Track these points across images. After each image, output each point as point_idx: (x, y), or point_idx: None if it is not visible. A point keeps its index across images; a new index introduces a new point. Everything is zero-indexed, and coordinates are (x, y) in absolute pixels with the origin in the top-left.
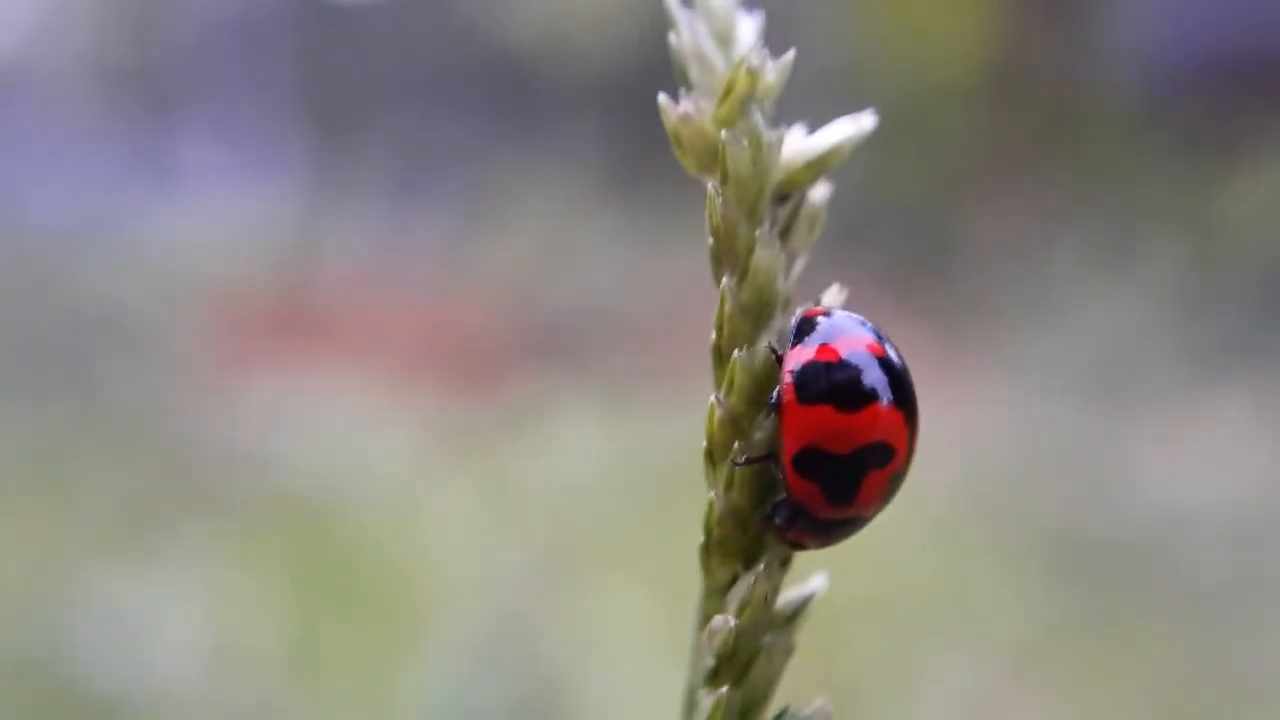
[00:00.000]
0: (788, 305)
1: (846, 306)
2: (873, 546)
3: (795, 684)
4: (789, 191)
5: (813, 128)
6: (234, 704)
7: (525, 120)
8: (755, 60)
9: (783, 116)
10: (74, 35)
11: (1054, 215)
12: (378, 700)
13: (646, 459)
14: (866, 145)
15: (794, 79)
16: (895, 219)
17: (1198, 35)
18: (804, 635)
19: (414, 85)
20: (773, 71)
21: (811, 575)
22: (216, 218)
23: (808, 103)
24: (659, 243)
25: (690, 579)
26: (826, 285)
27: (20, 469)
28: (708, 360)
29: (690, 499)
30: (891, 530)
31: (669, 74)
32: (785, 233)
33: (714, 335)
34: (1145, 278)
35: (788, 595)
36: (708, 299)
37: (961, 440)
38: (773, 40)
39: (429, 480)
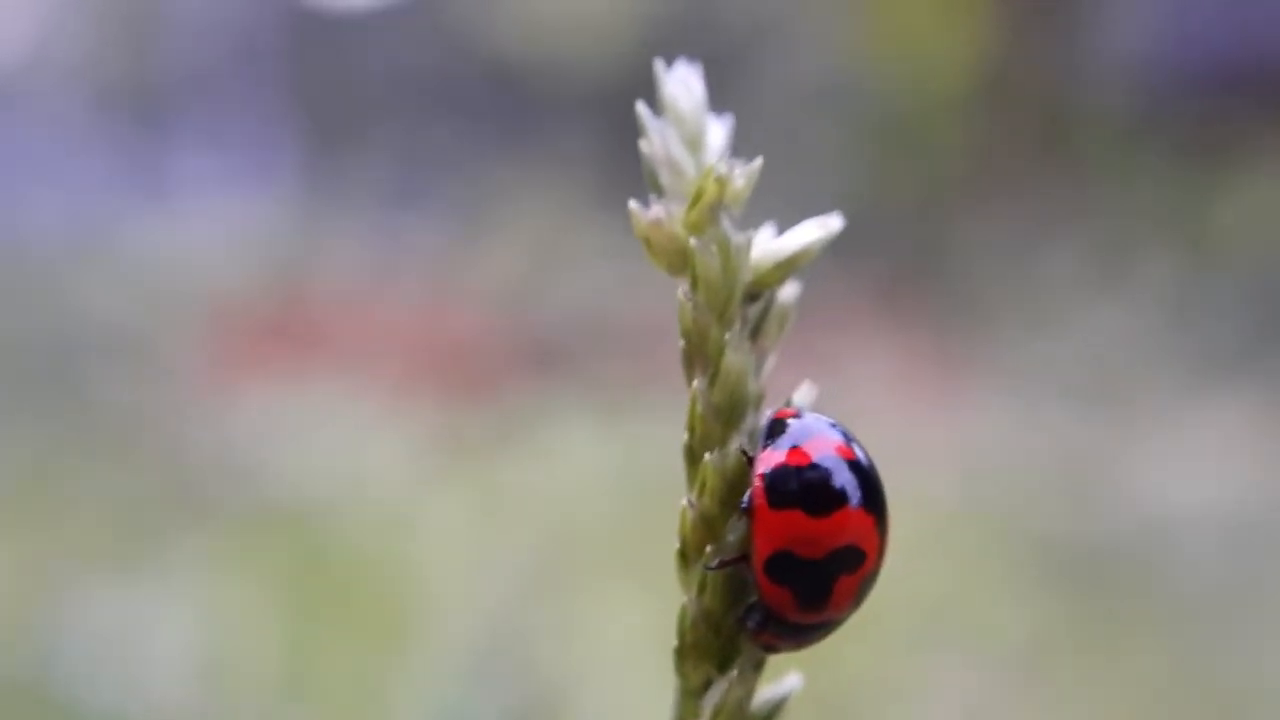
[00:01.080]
0: (759, 404)
1: (817, 406)
2: None
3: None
4: (759, 292)
5: (783, 229)
6: (229, 717)
7: (518, 129)
8: (723, 168)
9: (782, 126)
10: (69, 45)
11: (1050, 223)
12: (375, 710)
13: (642, 466)
14: (858, 150)
15: (789, 91)
16: (891, 227)
17: (1193, 43)
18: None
19: (408, 95)
20: (741, 178)
21: (785, 674)
22: (211, 226)
23: (803, 113)
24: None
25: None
26: (819, 298)
27: (12, 481)
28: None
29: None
30: (887, 536)
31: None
32: (755, 332)
33: (686, 436)
34: (1141, 285)
35: (762, 696)
36: None
37: (958, 447)
38: (766, 54)
39: (424, 489)
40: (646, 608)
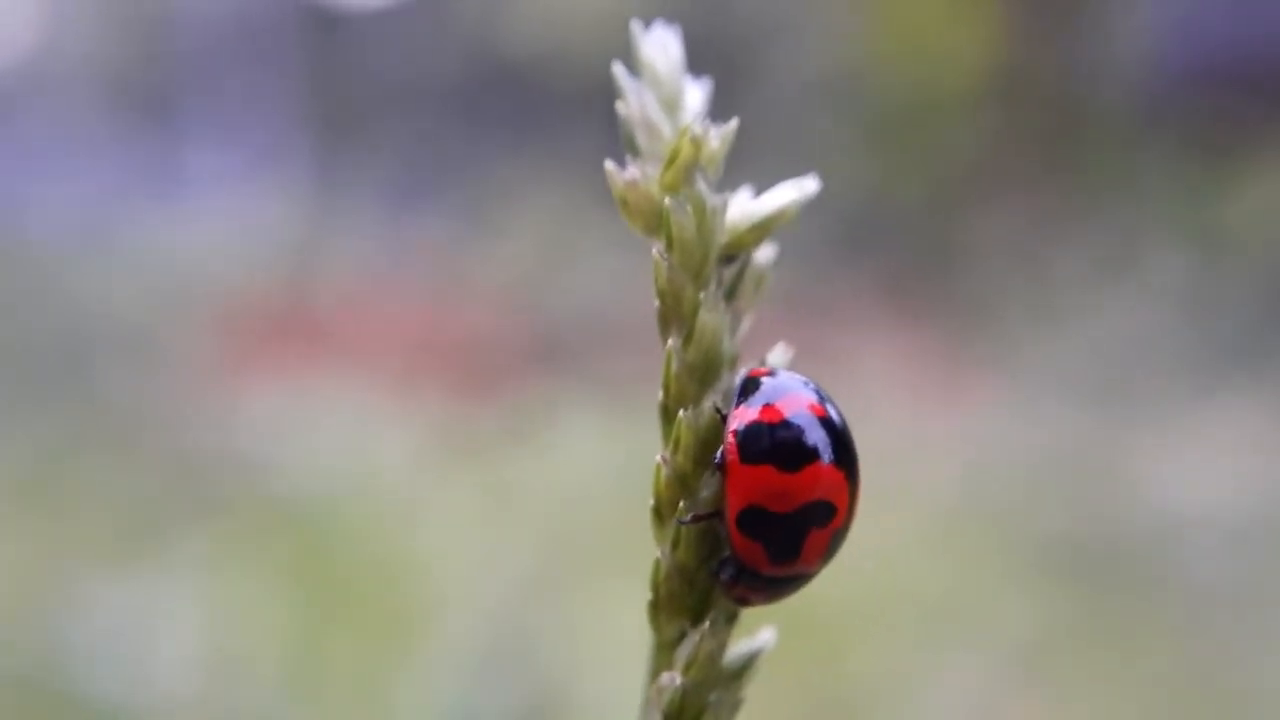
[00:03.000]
0: (734, 364)
1: (791, 365)
2: (873, 551)
3: (796, 691)
4: (734, 253)
5: (759, 191)
6: (234, 712)
7: (526, 127)
8: (699, 128)
9: (789, 123)
10: (79, 43)
11: (1057, 220)
12: (378, 707)
13: (646, 462)
14: (865, 147)
15: (797, 89)
16: (898, 225)
17: (1201, 40)
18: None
19: (415, 92)
20: (716, 139)
21: (760, 629)
22: (220, 223)
23: (810, 110)
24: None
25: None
26: (826, 295)
27: (20, 476)
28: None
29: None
30: (893, 534)
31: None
32: (731, 294)
33: (661, 395)
34: (1149, 282)
35: (735, 650)
36: None
37: (965, 444)
38: (772, 49)
39: (429, 485)
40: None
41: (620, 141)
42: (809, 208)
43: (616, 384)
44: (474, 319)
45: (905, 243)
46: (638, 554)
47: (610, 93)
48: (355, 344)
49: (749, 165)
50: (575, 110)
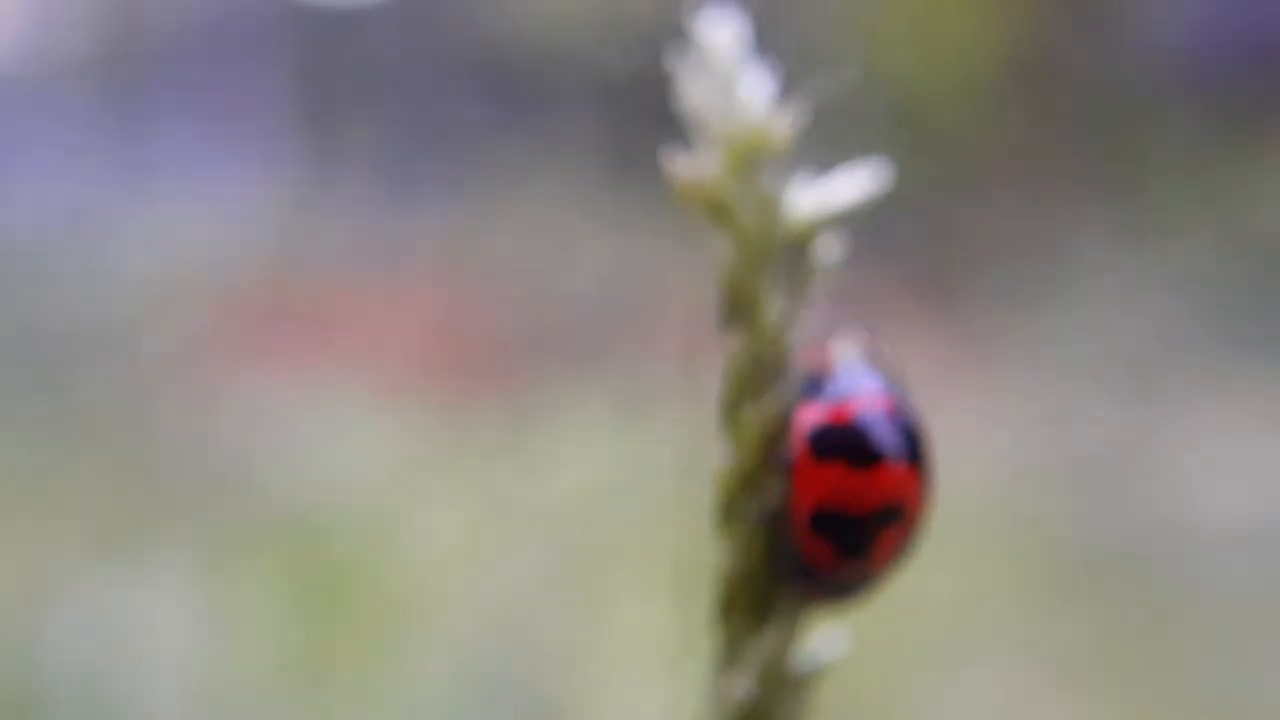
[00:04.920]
0: (799, 356)
1: (863, 354)
2: None
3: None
4: (799, 243)
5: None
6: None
7: (520, 115)
8: (764, 114)
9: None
10: (51, 23)
11: (1076, 206)
12: (374, 709)
13: (654, 459)
14: (878, 136)
15: (806, 77)
16: (912, 214)
17: (1223, 24)
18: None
19: (407, 80)
20: (785, 126)
21: (827, 631)
22: (202, 215)
23: (825, 102)
24: (662, 237)
25: (702, 584)
26: (842, 287)
27: None
28: (715, 364)
29: (700, 504)
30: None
31: (663, 66)
32: (795, 285)
33: (723, 392)
34: (1172, 268)
35: (803, 654)
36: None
37: (982, 442)
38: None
39: (427, 484)
40: (660, 606)
41: (626, 129)
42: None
43: (621, 377)
44: (472, 311)
45: (920, 233)
46: (648, 555)
47: (612, 81)
48: (347, 339)
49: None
50: (572, 97)
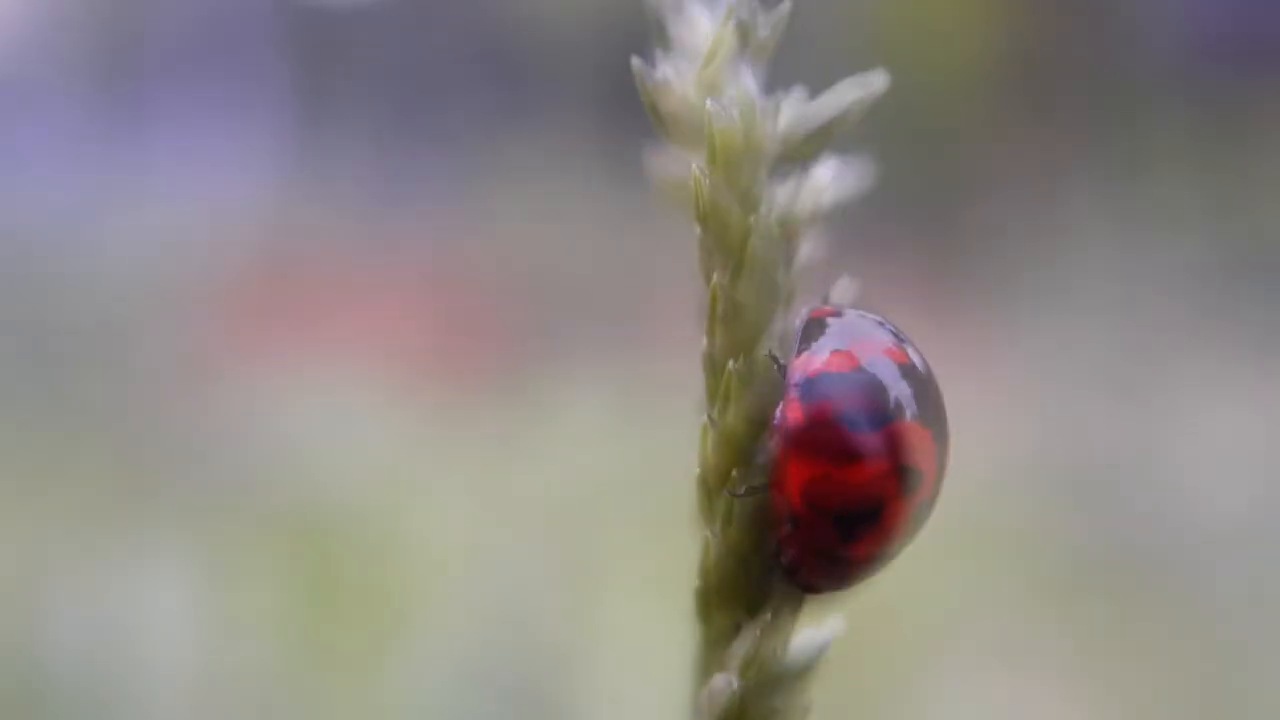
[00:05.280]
0: (791, 302)
1: (861, 303)
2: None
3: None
4: (789, 167)
5: (815, 93)
6: (223, 708)
7: (520, 107)
8: (745, 11)
9: (782, 83)
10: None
11: (1075, 202)
12: (377, 684)
13: (655, 457)
14: (878, 131)
15: (796, 60)
16: (910, 209)
17: (1219, 12)
18: None
19: (403, 74)
20: (766, 26)
21: (825, 618)
22: (199, 209)
23: (807, 35)
24: (661, 229)
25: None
26: (835, 279)
27: None
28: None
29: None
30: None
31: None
32: (786, 216)
33: (704, 342)
34: (1172, 263)
35: (799, 644)
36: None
37: (983, 439)
38: None
39: (429, 478)
40: (656, 602)
41: (618, 112)
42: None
43: (625, 372)
44: (471, 305)
45: (919, 224)
46: (647, 552)
47: (604, 63)
48: (346, 333)
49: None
50: (572, 87)
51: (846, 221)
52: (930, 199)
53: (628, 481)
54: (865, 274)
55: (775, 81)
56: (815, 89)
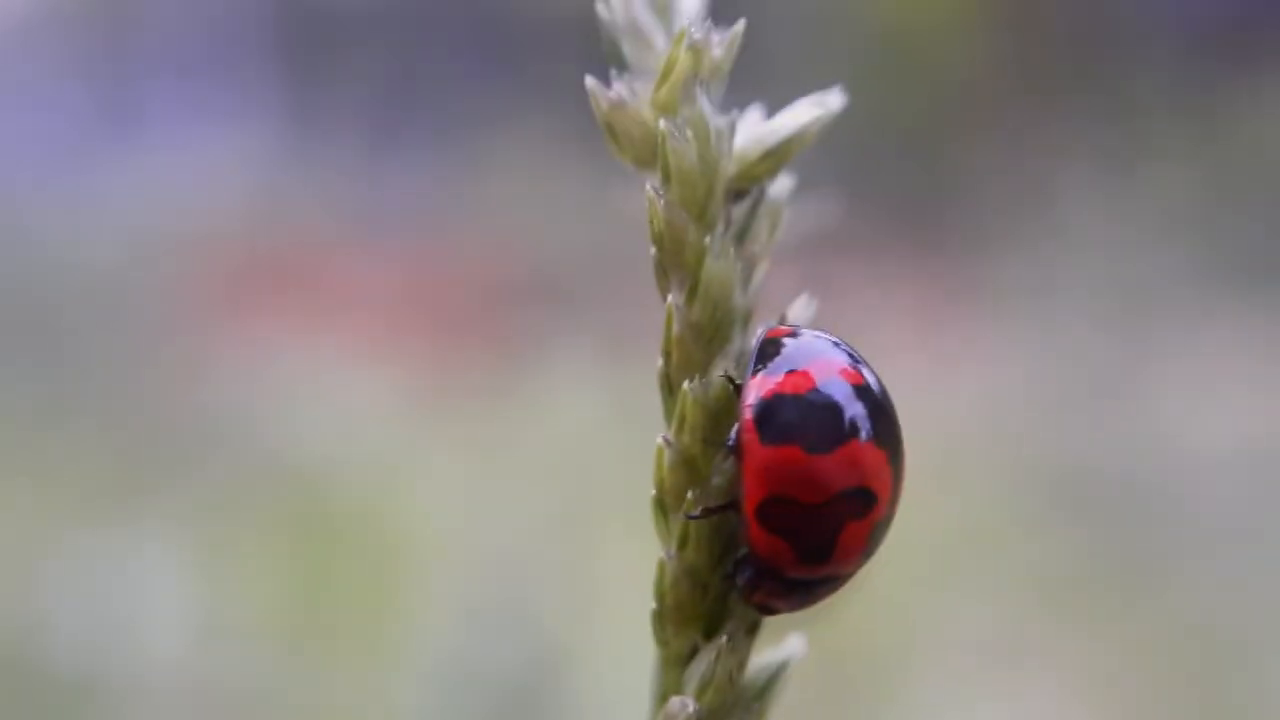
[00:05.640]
0: (748, 323)
1: (816, 324)
2: None
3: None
4: (745, 187)
5: (773, 111)
6: (221, 679)
7: (504, 64)
8: (699, 34)
9: (771, 55)
10: None
11: (1065, 142)
12: (374, 668)
13: (645, 409)
14: (865, 75)
15: (782, 15)
16: (895, 153)
17: None
18: None
19: (390, 31)
20: (720, 46)
21: (785, 636)
22: (185, 165)
23: (804, 40)
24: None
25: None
26: (831, 229)
27: None
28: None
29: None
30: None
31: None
32: (742, 236)
33: (661, 362)
34: (1160, 201)
35: (757, 663)
36: None
37: (972, 378)
38: None
39: (421, 437)
40: (649, 551)
41: (605, 75)
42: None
43: (613, 330)
44: (459, 261)
45: (907, 169)
46: (637, 504)
47: (594, 52)
48: (334, 291)
49: (741, 93)
50: (556, 43)
51: (839, 167)
52: (920, 139)
53: (617, 426)
54: (855, 216)
55: (748, 90)
56: (782, 102)
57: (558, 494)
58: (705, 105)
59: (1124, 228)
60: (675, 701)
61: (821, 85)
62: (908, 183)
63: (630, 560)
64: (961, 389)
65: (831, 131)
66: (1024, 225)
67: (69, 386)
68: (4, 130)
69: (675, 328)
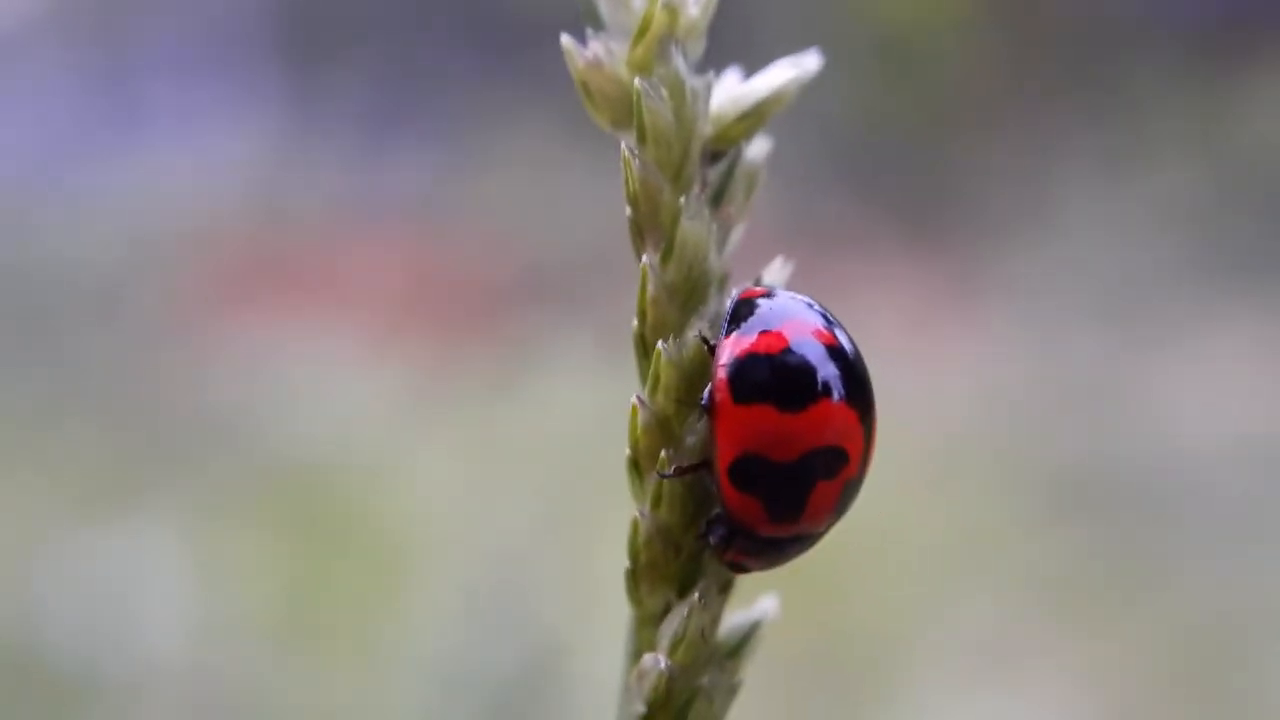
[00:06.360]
0: (723, 284)
1: (790, 285)
2: (876, 487)
3: (790, 639)
4: (721, 148)
5: (750, 73)
6: (220, 673)
7: (506, 57)
8: None
9: (765, 46)
10: None
11: (1063, 138)
12: (371, 663)
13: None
14: (866, 70)
15: (784, 15)
16: (898, 147)
17: None
18: (797, 584)
19: (391, 23)
20: (696, 5)
21: (759, 597)
22: (185, 162)
23: (804, 34)
24: None
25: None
26: (823, 220)
27: None
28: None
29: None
30: (897, 469)
31: None
32: (718, 198)
33: (635, 323)
34: (1158, 197)
35: (730, 623)
36: None
37: (970, 373)
38: None
39: (420, 432)
40: None
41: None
42: (806, 128)
43: (613, 325)
44: (459, 257)
45: (906, 165)
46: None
47: (592, 17)
48: (336, 286)
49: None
50: (559, 32)
51: (838, 162)
52: (918, 135)
53: (616, 423)
54: (855, 211)
55: (735, 51)
56: (766, 61)
57: (556, 491)
58: (681, 65)
59: (1122, 225)
60: (648, 658)
61: (821, 77)
62: (907, 181)
63: (622, 549)
64: (959, 387)
65: (831, 130)
66: (1023, 223)
67: (68, 385)
68: (4, 127)
69: (650, 289)
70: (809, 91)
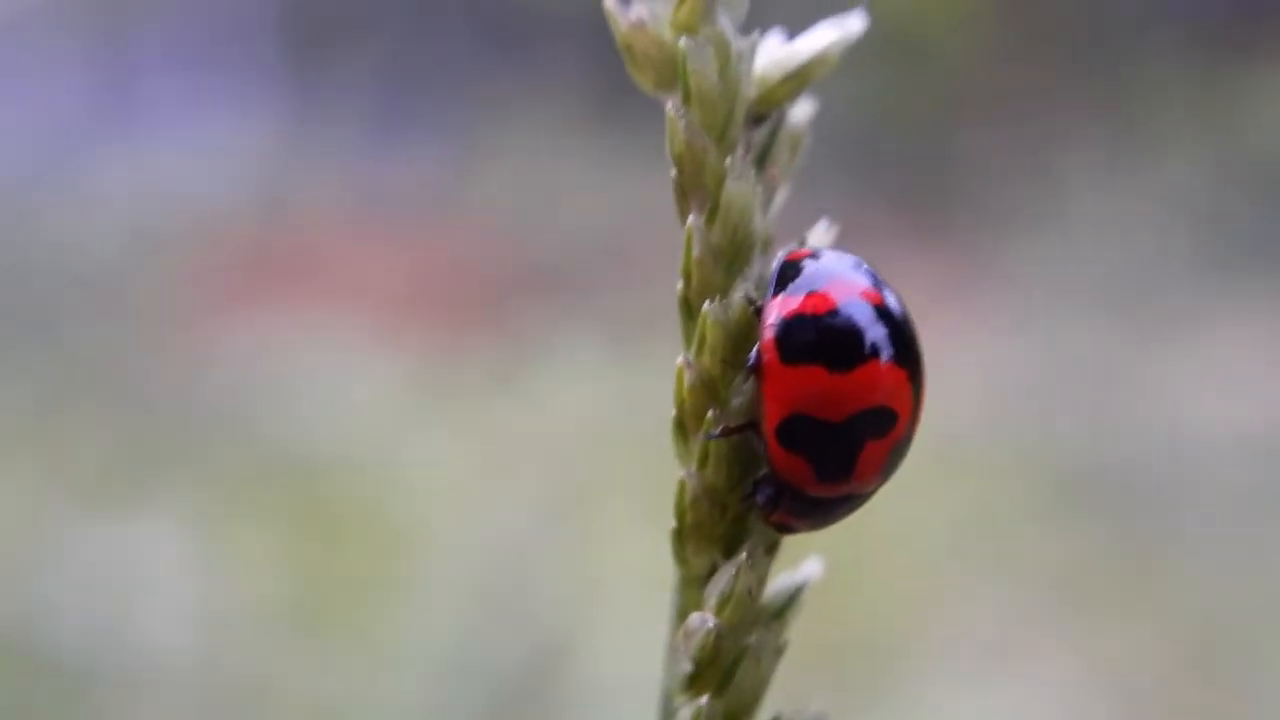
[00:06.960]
0: (767, 247)
1: (838, 245)
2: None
3: (801, 631)
4: (765, 110)
5: (793, 35)
6: (222, 666)
7: (510, 51)
8: None
9: (761, 25)
10: None
11: (1068, 129)
12: (375, 656)
13: (648, 396)
14: (870, 62)
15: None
16: (905, 139)
17: None
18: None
19: (394, 17)
20: None
21: (803, 559)
22: (189, 155)
23: (796, 26)
24: (654, 170)
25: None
26: (830, 213)
27: None
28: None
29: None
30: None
31: None
32: (762, 159)
33: (681, 284)
34: (1163, 188)
35: (776, 585)
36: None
37: (978, 366)
38: None
39: (423, 426)
40: (656, 538)
41: (612, 58)
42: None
43: (617, 315)
44: (463, 250)
45: (911, 157)
46: (640, 489)
47: (595, 11)
48: (339, 280)
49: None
50: (562, 29)
51: (844, 152)
52: (924, 126)
53: (621, 416)
54: (861, 201)
55: (760, 20)
56: (799, 28)
57: (561, 483)
58: (726, 25)
59: (1128, 218)
60: (695, 617)
61: (831, 80)
62: (911, 173)
63: (633, 548)
64: (964, 380)
65: (835, 122)
66: (1028, 215)
67: (71, 377)
68: (7, 119)
69: (695, 250)
70: (812, 86)
